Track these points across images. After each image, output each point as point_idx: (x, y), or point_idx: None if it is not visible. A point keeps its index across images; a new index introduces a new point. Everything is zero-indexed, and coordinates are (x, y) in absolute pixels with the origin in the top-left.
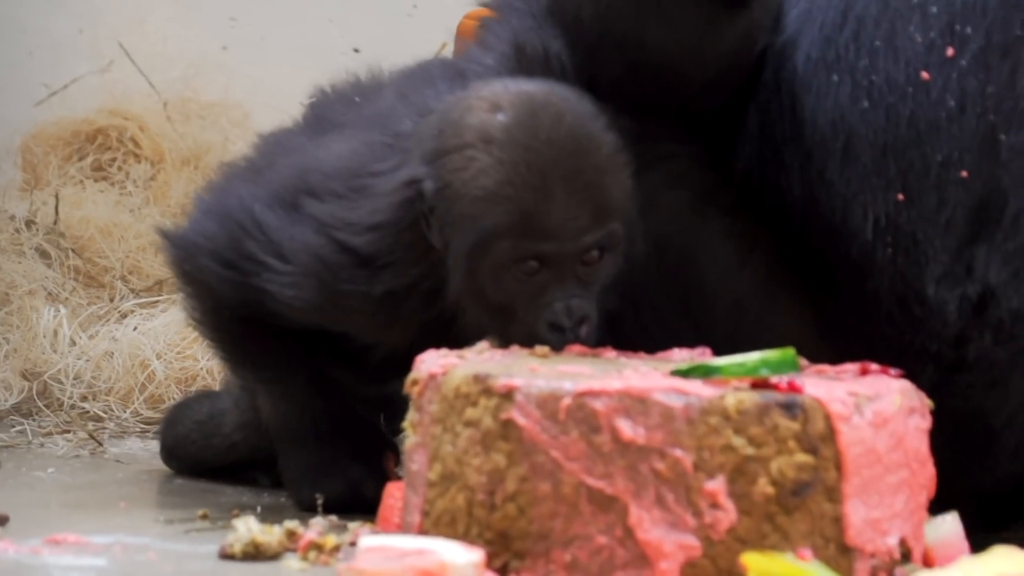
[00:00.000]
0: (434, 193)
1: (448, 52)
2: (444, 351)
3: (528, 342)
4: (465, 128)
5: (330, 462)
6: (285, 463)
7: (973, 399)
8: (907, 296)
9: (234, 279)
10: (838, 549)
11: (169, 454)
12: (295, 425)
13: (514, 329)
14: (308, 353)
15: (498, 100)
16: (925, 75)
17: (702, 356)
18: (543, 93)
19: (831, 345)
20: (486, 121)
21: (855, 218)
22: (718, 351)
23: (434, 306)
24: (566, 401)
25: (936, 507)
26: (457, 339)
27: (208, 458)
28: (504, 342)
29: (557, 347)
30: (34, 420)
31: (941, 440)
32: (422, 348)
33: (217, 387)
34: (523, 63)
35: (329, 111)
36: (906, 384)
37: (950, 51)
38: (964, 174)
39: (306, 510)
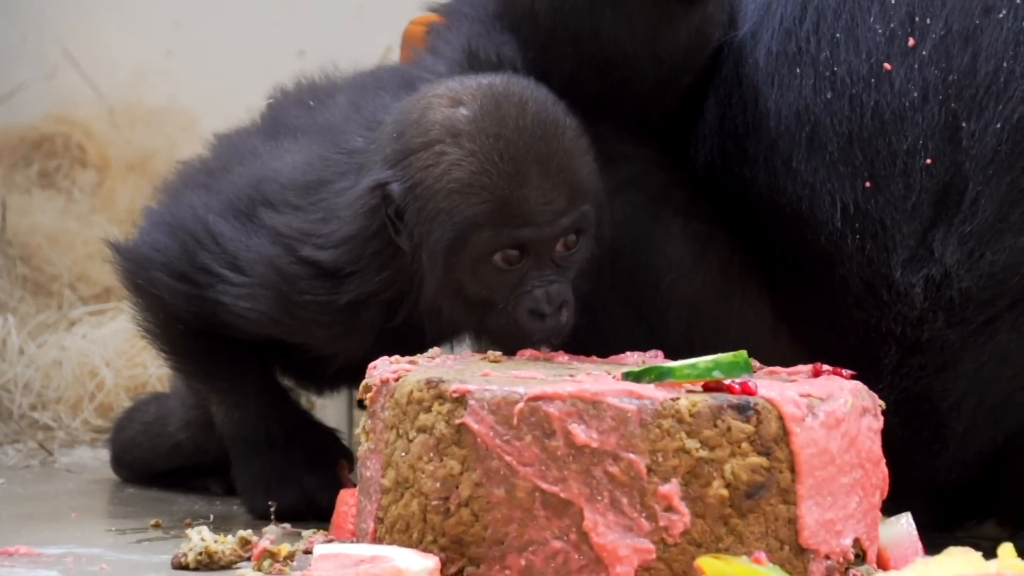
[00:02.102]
0: (403, 194)
1: (393, 55)
2: (396, 357)
3: (508, 332)
4: (429, 125)
5: (284, 470)
6: (239, 471)
7: (923, 380)
8: (875, 281)
9: (187, 291)
10: (793, 551)
11: (118, 461)
12: (249, 434)
13: (492, 320)
14: (261, 361)
15: (457, 95)
16: (887, 66)
17: (654, 359)
18: (502, 83)
19: (796, 334)
20: (450, 116)
21: (823, 206)
22: (673, 353)
23: (394, 313)
24: (519, 406)
25: (891, 500)
26: (413, 347)
27: (154, 460)
28: (482, 335)
29: (538, 334)
30: None
31: (897, 421)
32: (377, 357)
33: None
34: (476, 69)
35: (284, 114)
36: (858, 385)
37: (911, 41)
38: (928, 161)
39: (259, 518)
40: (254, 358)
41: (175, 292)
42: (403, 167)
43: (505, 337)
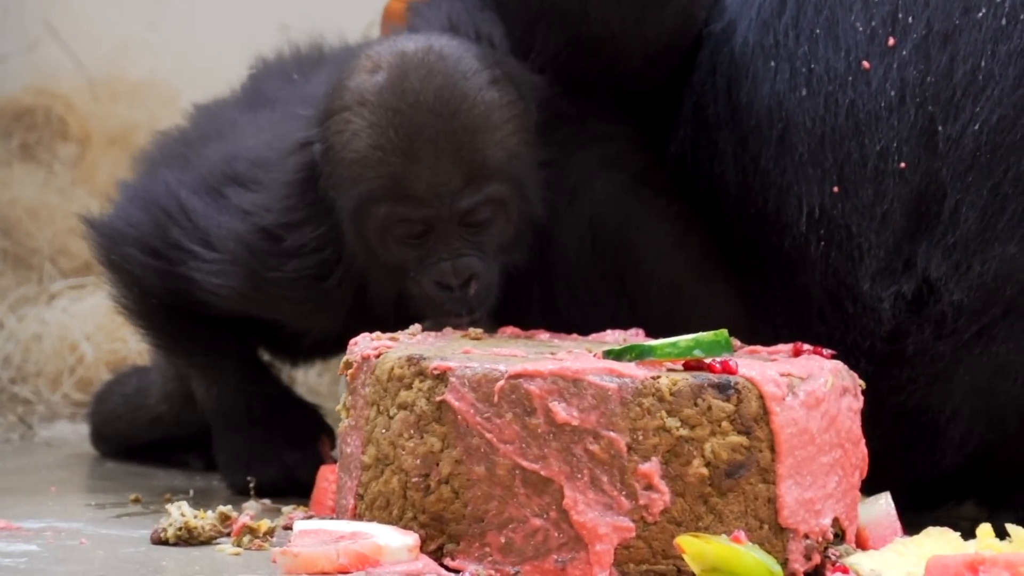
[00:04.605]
0: (321, 155)
1: (375, 30)
2: (377, 334)
3: (422, 301)
4: (345, 90)
5: (264, 446)
6: (219, 447)
7: (916, 394)
8: (839, 293)
9: (160, 267)
10: (772, 530)
11: (98, 435)
12: (229, 409)
13: (410, 288)
14: (240, 337)
15: (379, 60)
16: (866, 64)
17: (635, 337)
18: (420, 51)
19: (762, 331)
20: (364, 82)
21: (789, 209)
22: (654, 332)
23: (354, 282)
24: (500, 383)
25: (871, 480)
26: (384, 324)
27: (134, 433)
28: (403, 303)
29: (447, 306)
30: None
31: (879, 433)
32: (352, 333)
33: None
34: None
35: (265, 85)
36: (838, 364)
37: (891, 40)
38: (902, 165)
39: (240, 494)
40: (232, 333)
41: (147, 268)
42: (324, 128)
43: (421, 306)
